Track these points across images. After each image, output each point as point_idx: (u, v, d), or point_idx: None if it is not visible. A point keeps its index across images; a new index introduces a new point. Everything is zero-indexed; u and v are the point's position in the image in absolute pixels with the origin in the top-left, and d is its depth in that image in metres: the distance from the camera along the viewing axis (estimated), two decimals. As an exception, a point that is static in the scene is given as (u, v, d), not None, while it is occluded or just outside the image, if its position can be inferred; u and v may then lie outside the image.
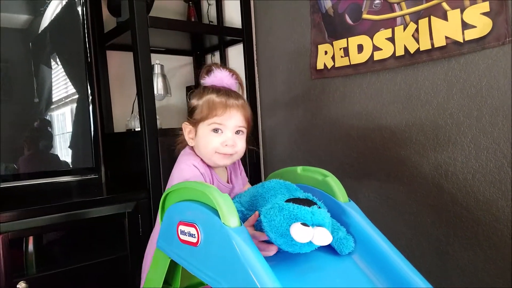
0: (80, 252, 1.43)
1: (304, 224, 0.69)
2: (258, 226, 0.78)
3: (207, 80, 1.00)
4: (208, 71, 1.00)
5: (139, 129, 1.59)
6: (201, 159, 1.00)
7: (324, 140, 1.51)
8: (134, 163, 1.56)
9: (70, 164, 1.54)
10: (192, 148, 1.03)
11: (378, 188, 1.37)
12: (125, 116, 1.78)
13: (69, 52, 1.56)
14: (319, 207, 0.73)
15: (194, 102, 1.00)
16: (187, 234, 0.76)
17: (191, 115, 1.01)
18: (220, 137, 0.96)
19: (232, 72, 1.02)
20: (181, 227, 0.77)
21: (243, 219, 0.83)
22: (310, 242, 0.69)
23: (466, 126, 1.15)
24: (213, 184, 0.98)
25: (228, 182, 1.07)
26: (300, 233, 0.68)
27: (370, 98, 1.37)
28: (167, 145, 1.50)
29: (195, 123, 0.99)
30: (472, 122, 1.13)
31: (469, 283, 1.16)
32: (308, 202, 0.73)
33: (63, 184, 1.53)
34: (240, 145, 0.98)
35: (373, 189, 1.38)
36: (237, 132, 0.98)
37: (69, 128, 1.56)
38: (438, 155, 1.21)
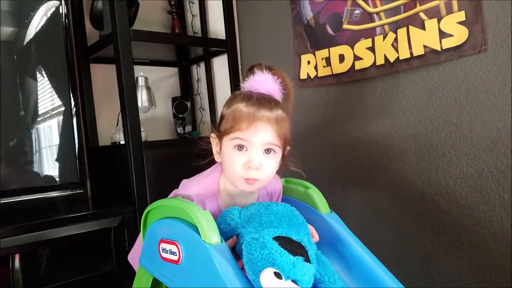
0: (67, 269, 1.42)
1: (277, 274, 0.62)
2: (237, 248, 0.75)
3: (246, 85, 0.85)
4: (250, 73, 0.85)
5: (124, 142, 1.59)
6: (216, 189, 0.87)
7: (310, 148, 1.52)
8: (120, 177, 1.55)
9: (55, 179, 1.53)
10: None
11: (364, 195, 1.38)
12: (110, 129, 1.77)
13: (53, 65, 1.56)
14: (308, 260, 0.66)
15: (224, 110, 0.85)
16: (168, 252, 0.76)
17: (219, 126, 0.86)
18: (244, 156, 0.80)
19: (278, 75, 0.84)
20: (163, 245, 0.77)
21: (236, 230, 0.77)
22: None
23: (446, 132, 1.16)
24: None
25: None
26: (269, 284, 0.62)
27: (352, 107, 1.38)
28: (152, 158, 1.50)
29: (220, 136, 0.85)
30: (452, 129, 1.15)
31: (454, 286, 1.17)
32: (297, 249, 0.66)
33: (48, 200, 1.51)
34: (267, 169, 0.81)
35: (359, 197, 1.39)
36: (268, 151, 0.81)
37: (53, 142, 1.55)
38: (420, 162, 1.22)
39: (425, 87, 1.20)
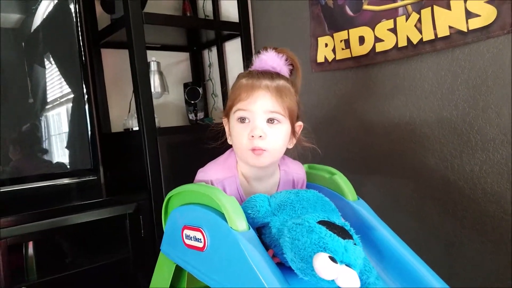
0: (81, 256, 1.41)
1: (332, 259, 0.59)
2: (268, 238, 0.72)
3: (252, 66, 0.86)
4: (255, 56, 0.86)
5: (137, 128, 1.56)
6: (234, 172, 0.86)
7: (326, 134, 1.49)
8: (133, 163, 1.53)
9: (68, 166, 1.51)
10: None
11: (382, 182, 1.35)
12: (122, 115, 1.75)
13: (63, 51, 1.53)
14: (355, 243, 0.62)
15: (229, 92, 0.88)
16: (192, 239, 0.74)
17: (225, 107, 0.88)
18: (247, 127, 0.80)
19: (282, 53, 0.84)
20: (186, 232, 0.75)
21: (266, 218, 0.72)
22: (332, 280, 0.59)
23: (472, 117, 1.13)
24: None
25: None
26: (326, 269, 0.58)
27: (372, 91, 1.34)
28: (166, 144, 1.48)
29: (227, 115, 0.86)
30: (478, 113, 1.11)
31: (476, 274, 1.15)
32: (343, 233, 0.62)
33: (61, 187, 1.50)
34: (273, 139, 0.79)
35: (377, 184, 1.36)
36: (271, 120, 0.80)
37: (65, 129, 1.53)
38: (444, 147, 1.19)
39: (449, 70, 1.16)
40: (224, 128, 0.93)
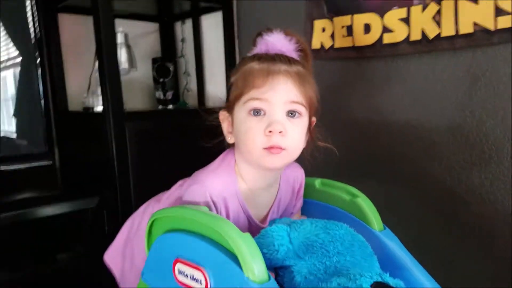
0: (37, 257, 1.19)
1: None
2: (286, 284, 0.57)
3: (254, 50, 0.74)
4: (259, 37, 0.74)
5: (99, 108, 1.35)
6: (234, 181, 0.72)
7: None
8: (95, 150, 1.32)
9: (18, 148, 1.27)
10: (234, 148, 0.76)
11: (379, 191, 1.21)
12: (81, 91, 1.51)
13: (12, 16, 1.26)
14: None
15: (231, 79, 0.74)
16: (189, 277, 0.57)
17: (227, 99, 0.75)
18: (262, 121, 0.67)
19: (291, 35, 0.73)
20: (180, 266, 0.58)
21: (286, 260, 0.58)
22: None
23: (489, 126, 1.02)
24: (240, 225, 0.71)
25: (267, 216, 0.77)
26: None
27: (375, 87, 1.21)
28: (135, 132, 1.27)
29: (230, 108, 0.73)
30: (497, 123, 1.01)
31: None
32: None
33: (10, 173, 1.25)
34: (293, 137, 0.68)
35: (373, 192, 1.22)
36: (291, 113, 0.69)
37: (15, 102, 1.28)
38: (452, 157, 1.08)
39: (468, 72, 1.04)
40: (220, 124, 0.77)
